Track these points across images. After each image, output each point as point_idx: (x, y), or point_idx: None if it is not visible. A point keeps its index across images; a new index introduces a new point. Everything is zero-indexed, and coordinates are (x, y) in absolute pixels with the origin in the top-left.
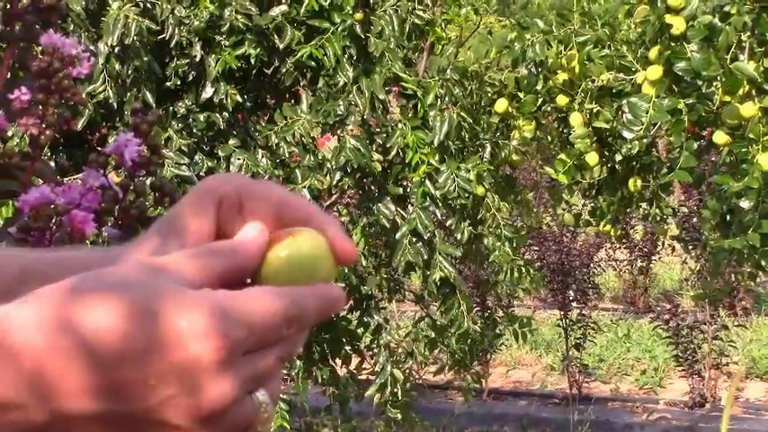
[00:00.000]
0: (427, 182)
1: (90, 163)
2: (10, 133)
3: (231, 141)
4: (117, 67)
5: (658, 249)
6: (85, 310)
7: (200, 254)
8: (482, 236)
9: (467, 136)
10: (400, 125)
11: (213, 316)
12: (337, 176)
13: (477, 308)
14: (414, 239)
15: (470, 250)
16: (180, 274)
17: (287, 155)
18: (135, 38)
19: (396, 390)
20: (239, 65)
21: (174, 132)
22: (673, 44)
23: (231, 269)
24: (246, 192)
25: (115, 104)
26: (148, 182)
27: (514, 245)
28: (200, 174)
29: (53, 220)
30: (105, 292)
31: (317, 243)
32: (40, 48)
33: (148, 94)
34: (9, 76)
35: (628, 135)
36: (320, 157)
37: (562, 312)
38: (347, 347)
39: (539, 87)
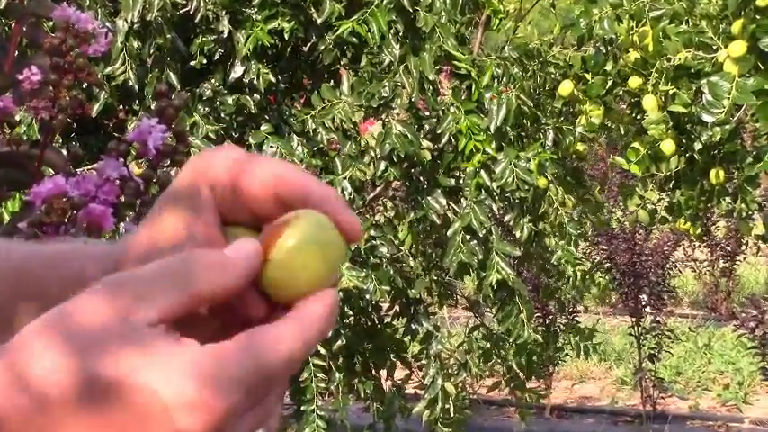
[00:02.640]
0: (482, 172)
1: (109, 151)
2: (18, 118)
3: (263, 127)
4: (137, 45)
5: (743, 249)
6: (48, 381)
7: (184, 275)
8: (544, 234)
9: (527, 121)
10: (452, 109)
11: (201, 381)
12: (382, 166)
13: (538, 315)
14: (467, 237)
15: (531, 250)
16: (158, 309)
17: (325, 142)
18: (157, 13)
19: (447, 406)
20: (272, 41)
21: (201, 117)
22: (758, 17)
23: (219, 288)
24: (238, 172)
25: (135, 87)
26: (173, 173)
27: (577, 241)
28: None
29: (68, 215)
30: (70, 355)
31: (321, 227)
32: (52, 23)
33: (172, 75)
34: (18, 54)
35: (708, 119)
36: (362, 145)
37: (634, 319)
38: (393, 358)
39: (608, 68)
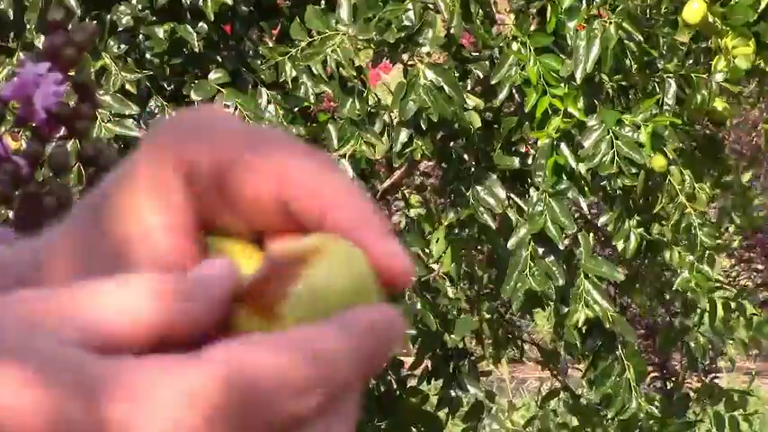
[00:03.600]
0: (563, 147)
1: None
2: None
3: (213, 75)
4: None
5: None
6: None
7: (151, 293)
8: (661, 244)
9: (633, 66)
10: (515, 46)
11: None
12: (403, 137)
13: (654, 374)
14: (539, 251)
15: (640, 270)
16: (105, 336)
17: (312, 98)
18: None
19: None
20: None
21: (114, 60)
22: None
23: (189, 319)
24: (228, 160)
25: (10, 13)
26: (72, 148)
27: (713, 255)
28: None
29: None
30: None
31: (353, 275)
32: None
33: None
34: None
35: None
36: (372, 104)
37: None
38: None
39: None
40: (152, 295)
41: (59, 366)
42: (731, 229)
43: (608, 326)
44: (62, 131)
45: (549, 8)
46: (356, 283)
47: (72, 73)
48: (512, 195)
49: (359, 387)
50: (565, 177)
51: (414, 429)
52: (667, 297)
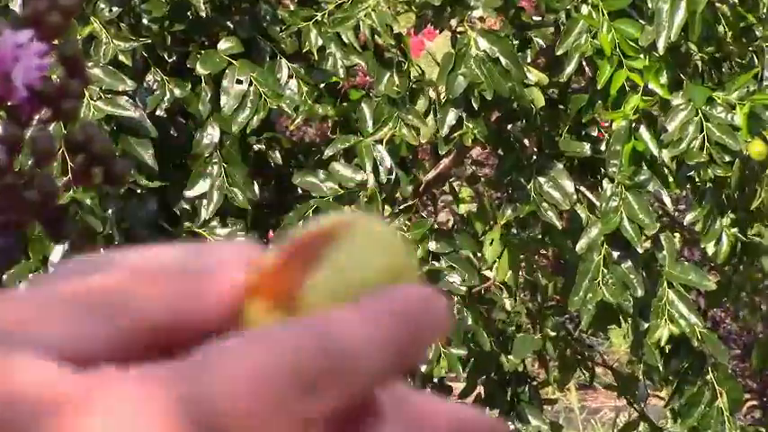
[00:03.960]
0: (643, 130)
1: None
2: None
3: (223, 44)
4: None
5: None
6: None
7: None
8: (759, 247)
9: (727, 33)
10: (585, 9)
11: None
12: (450, 118)
13: (753, 402)
14: (615, 255)
15: (735, 278)
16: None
17: (342, 72)
18: None
19: None
20: None
21: (104, 27)
22: None
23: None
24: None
25: None
26: (57, 132)
27: None
28: (158, 115)
29: None
30: None
31: (385, 246)
32: None
33: None
34: None
35: None
36: (414, 78)
37: None
38: None
39: None
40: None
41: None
42: None
43: (696, 344)
44: (45, 113)
45: None
46: (391, 264)
47: (57, 43)
48: (581, 188)
49: (393, 383)
50: (645, 167)
51: None
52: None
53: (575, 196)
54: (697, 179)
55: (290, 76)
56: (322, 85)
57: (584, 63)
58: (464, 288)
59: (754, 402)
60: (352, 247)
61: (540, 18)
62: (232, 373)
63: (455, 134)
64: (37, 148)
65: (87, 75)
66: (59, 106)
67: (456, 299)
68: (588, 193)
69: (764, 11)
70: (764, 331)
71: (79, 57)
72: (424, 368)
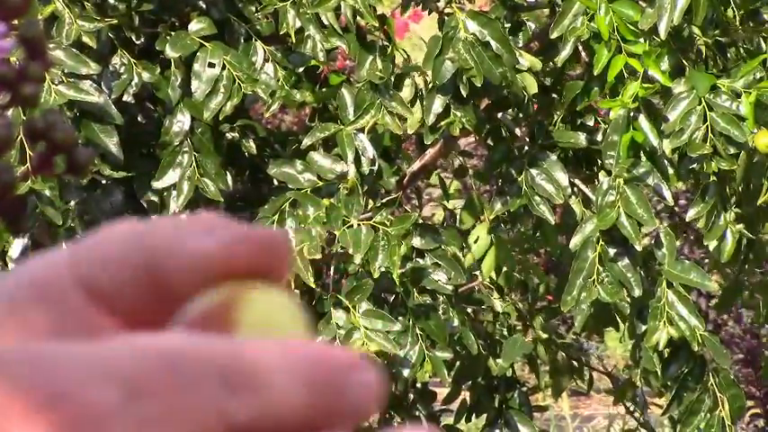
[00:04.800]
0: (642, 120)
1: None
2: None
3: (194, 25)
4: None
5: None
6: None
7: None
8: (764, 245)
9: (733, 16)
10: None
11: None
12: (437, 106)
13: (756, 410)
14: (611, 252)
15: (739, 278)
16: None
17: (321, 56)
18: None
19: None
20: None
21: (67, 5)
22: None
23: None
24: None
25: None
26: (16, 118)
27: None
28: (124, 100)
29: None
30: None
31: (286, 304)
32: None
33: None
34: None
35: None
36: (399, 63)
37: None
38: None
39: None
40: None
41: None
42: None
43: (697, 348)
44: (3, 97)
45: None
46: (298, 319)
47: (18, 23)
48: (576, 181)
49: None
50: (644, 159)
51: None
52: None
53: (569, 190)
54: (701, 173)
55: (265, 60)
56: (300, 70)
57: (580, 47)
58: (450, 287)
59: (758, 410)
60: (257, 307)
61: None
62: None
63: (442, 123)
64: None
65: (49, 57)
66: (19, 91)
67: (442, 298)
68: (583, 187)
69: None
70: None
71: (41, 38)
72: (406, 372)
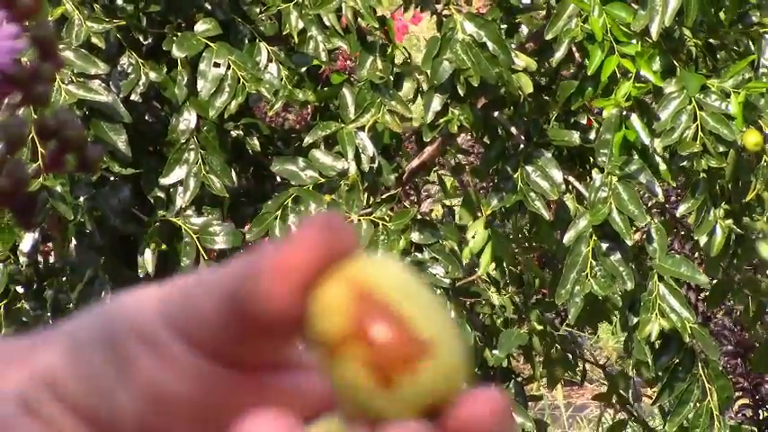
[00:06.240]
0: (634, 119)
1: None
2: None
3: (200, 26)
4: None
5: None
6: None
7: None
8: (755, 240)
9: (723, 18)
10: None
11: None
12: (435, 104)
13: (744, 400)
14: (604, 247)
15: (729, 272)
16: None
17: (323, 56)
18: None
19: None
20: None
21: (77, 7)
22: None
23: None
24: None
25: None
26: (28, 116)
27: None
28: (132, 99)
29: None
30: None
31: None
32: None
33: None
34: None
35: None
36: (399, 63)
37: None
38: None
39: None
40: None
41: None
42: None
43: (687, 340)
44: (18, 97)
45: None
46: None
47: (29, 25)
48: (570, 178)
49: None
50: (636, 156)
51: None
52: (763, 306)
53: (563, 186)
54: (691, 170)
55: (269, 60)
56: (302, 70)
57: (574, 48)
58: (448, 280)
59: (746, 401)
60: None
61: (529, 1)
62: None
63: (440, 121)
64: (8, 133)
65: (60, 58)
66: (31, 90)
67: (439, 291)
68: (577, 184)
69: None
70: (760, 328)
71: (52, 39)
72: None
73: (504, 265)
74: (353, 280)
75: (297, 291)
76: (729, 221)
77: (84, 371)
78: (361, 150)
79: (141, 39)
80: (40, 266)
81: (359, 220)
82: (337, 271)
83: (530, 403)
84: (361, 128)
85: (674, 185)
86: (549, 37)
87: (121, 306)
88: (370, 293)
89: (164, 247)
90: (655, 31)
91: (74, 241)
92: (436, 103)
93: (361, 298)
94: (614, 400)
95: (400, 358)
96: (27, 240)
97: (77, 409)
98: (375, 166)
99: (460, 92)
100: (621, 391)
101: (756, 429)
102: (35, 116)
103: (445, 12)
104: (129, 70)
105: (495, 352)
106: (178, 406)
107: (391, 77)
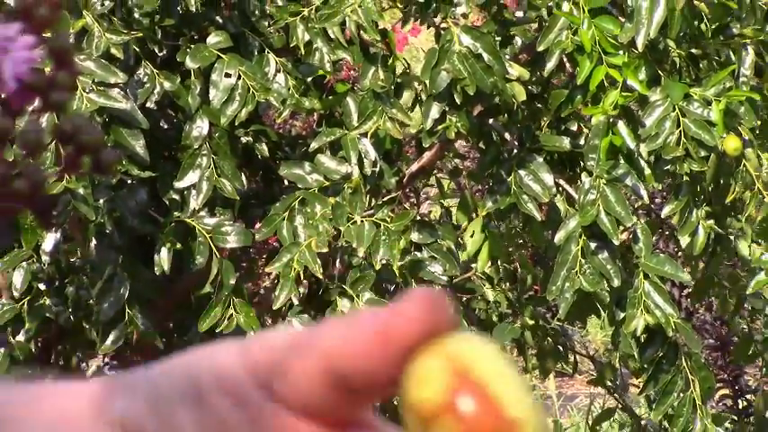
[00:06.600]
0: (621, 125)
1: None
2: None
3: (212, 38)
4: None
5: None
6: None
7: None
8: (735, 239)
9: (706, 30)
10: (566, 6)
11: None
12: (434, 112)
13: (724, 391)
14: (592, 246)
15: (709, 270)
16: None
17: (328, 67)
18: None
19: None
20: None
21: (96, 20)
22: None
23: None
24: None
25: None
26: (48, 123)
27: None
28: (148, 107)
29: None
30: None
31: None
32: None
33: None
34: None
35: None
36: (399, 73)
37: None
38: None
39: None
40: None
41: None
42: None
43: (671, 334)
44: (37, 104)
45: None
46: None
47: (47, 35)
48: (560, 182)
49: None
50: (622, 161)
51: None
52: (742, 302)
53: (554, 189)
54: (675, 172)
55: (277, 70)
56: (309, 79)
57: (564, 59)
58: (445, 278)
59: (726, 391)
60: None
61: (522, 15)
62: None
63: (438, 128)
64: (28, 139)
65: (76, 66)
66: (49, 98)
67: (438, 288)
68: (567, 186)
69: (748, 8)
70: (739, 323)
71: (68, 49)
72: None
73: (499, 263)
74: (451, 356)
75: (397, 360)
76: (711, 222)
77: (167, 422)
78: (363, 155)
79: (157, 50)
80: (62, 265)
81: (362, 221)
82: (435, 345)
83: None
84: (364, 134)
85: (659, 188)
86: (540, 48)
87: (206, 360)
88: (466, 370)
89: (179, 246)
90: (641, 42)
91: (94, 241)
92: (434, 110)
93: (457, 374)
94: (606, 390)
95: None
96: (49, 240)
97: None
98: (377, 170)
99: (457, 100)
100: (609, 381)
101: (736, 418)
102: (55, 122)
103: (443, 24)
104: (146, 80)
105: None
106: None
107: (392, 87)
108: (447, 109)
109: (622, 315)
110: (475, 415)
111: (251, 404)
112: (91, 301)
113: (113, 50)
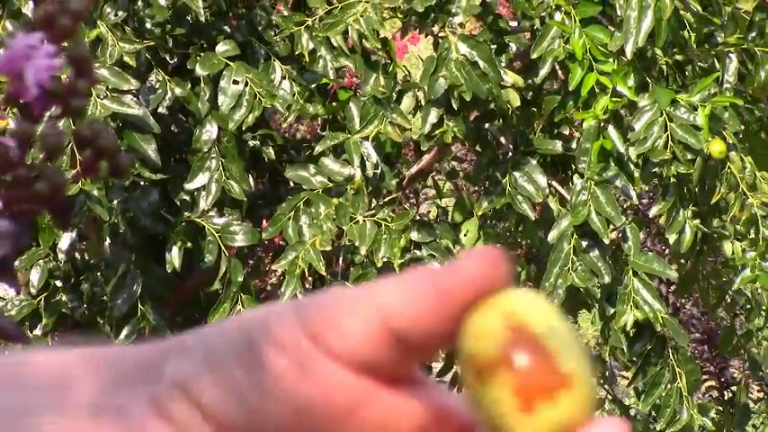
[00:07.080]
0: (611, 129)
1: None
2: None
3: (221, 47)
4: None
5: None
6: None
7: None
8: (720, 238)
9: (691, 39)
10: (558, 16)
11: None
12: (432, 117)
13: (710, 383)
14: (584, 244)
15: (697, 268)
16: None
17: (331, 74)
18: None
19: None
20: None
21: (110, 30)
22: None
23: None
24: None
25: None
26: (66, 127)
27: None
28: (160, 112)
29: None
30: None
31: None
32: None
33: None
34: None
35: None
36: (399, 80)
37: None
38: None
39: None
40: None
41: None
42: None
43: (658, 329)
44: (56, 110)
45: None
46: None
47: (67, 44)
48: (553, 183)
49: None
50: (612, 163)
51: None
52: (727, 298)
53: (547, 190)
54: (663, 176)
55: (283, 77)
56: (313, 86)
57: (556, 66)
58: None
59: (712, 383)
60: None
61: (516, 24)
62: None
63: (436, 132)
64: (48, 143)
65: (94, 74)
66: (68, 104)
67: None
68: (560, 188)
69: (729, 16)
70: (724, 317)
71: (87, 57)
72: None
73: None
74: (507, 311)
75: (455, 317)
76: (697, 221)
77: (223, 380)
78: (365, 158)
79: (168, 58)
80: (78, 262)
81: (364, 220)
82: (491, 301)
83: None
84: (366, 138)
85: (647, 189)
86: (534, 56)
87: (259, 317)
88: (521, 325)
89: (189, 244)
90: (629, 50)
91: (108, 240)
92: (433, 115)
93: (513, 329)
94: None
95: (543, 387)
96: (65, 239)
97: (212, 416)
98: (378, 172)
99: (454, 106)
100: (599, 374)
101: (722, 408)
102: (73, 127)
103: (441, 34)
104: (157, 86)
105: None
106: (320, 418)
107: (393, 93)
108: (445, 114)
109: (612, 310)
110: (529, 369)
111: (303, 358)
112: (105, 297)
113: (126, 58)
